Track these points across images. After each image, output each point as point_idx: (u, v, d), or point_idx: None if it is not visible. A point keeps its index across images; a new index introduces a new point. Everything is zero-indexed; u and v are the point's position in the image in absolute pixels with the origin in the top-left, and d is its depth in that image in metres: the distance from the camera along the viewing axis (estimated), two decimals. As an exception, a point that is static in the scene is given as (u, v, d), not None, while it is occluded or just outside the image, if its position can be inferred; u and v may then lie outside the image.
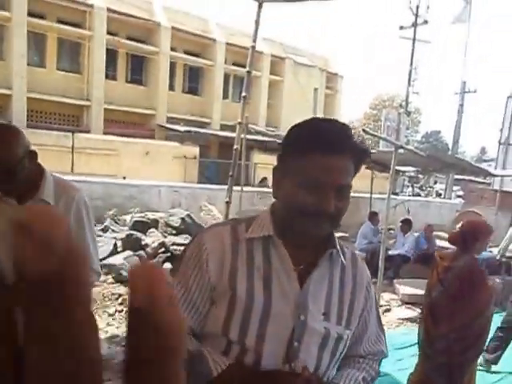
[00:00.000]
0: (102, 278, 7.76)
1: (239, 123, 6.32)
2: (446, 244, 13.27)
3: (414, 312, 8.66)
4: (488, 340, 4.69)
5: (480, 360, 5.20)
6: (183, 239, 9.00)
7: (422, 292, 9.22)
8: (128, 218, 11.17)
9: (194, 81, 31.40)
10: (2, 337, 0.49)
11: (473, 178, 26.81)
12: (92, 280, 2.80)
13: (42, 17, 24.57)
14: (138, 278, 0.52)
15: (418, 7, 27.81)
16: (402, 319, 8.33)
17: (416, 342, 7.38)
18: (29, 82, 23.49)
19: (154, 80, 28.54)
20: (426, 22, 28.25)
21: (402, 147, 8.50)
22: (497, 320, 5.67)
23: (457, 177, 26.79)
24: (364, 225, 12.08)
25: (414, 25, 28.33)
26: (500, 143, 26.77)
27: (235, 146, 6.21)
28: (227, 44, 29.92)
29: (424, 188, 39.01)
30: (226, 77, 31.46)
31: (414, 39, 28.27)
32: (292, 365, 1.51)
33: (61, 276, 0.43)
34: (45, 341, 0.46)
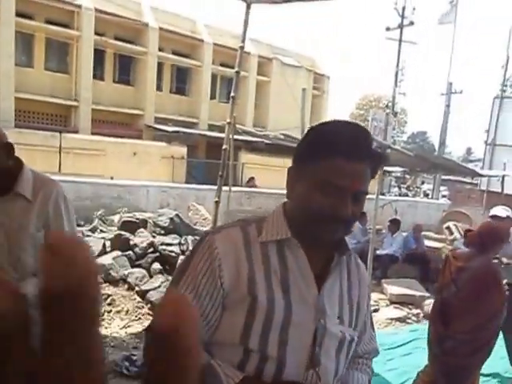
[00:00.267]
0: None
1: (228, 123, 6.33)
2: (434, 244, 13.40)
3: (403, 311, 8.70)
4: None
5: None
6: (172, 239, 8.99)
7: (410, 292, 9.35)
8: (116, 218, 11.16)
9: (181, 81, 31.36)
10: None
11: (460, 178, 27.01)
12: None
13: (29, 17, 24.44)
14: (167, 306, 0.54)
15: (404, 9, 27.88)
16: (391, 319, 8.35)
17: (406, 341, 7.44)
18: (17, 82, 23.37)
19: (142, 80, 28.47)
20: (412, 23, 28.31)
21: (389, 147, 8.53)
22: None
23: (444, 177, 26.94)
24: (352, 225, 12.09)
25: (400, 26, 28.39)
26: (486, 144, 26.95)
27: (224, 146, 6.22)
28: (215, 45, 29.88)
29: (411, 188, 39.21)
30: (214, 77, 31.42)
31: (400, 40, 28.31)
32: (317, 370, 1.50)
33: (82, 290, 0.45)
34: (58, 353, 0.48)
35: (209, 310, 1.49)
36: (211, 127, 28.17)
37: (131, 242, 8.67)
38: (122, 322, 6.81)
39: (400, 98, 37.93)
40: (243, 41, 5.99)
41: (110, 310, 7.06)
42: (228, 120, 6.32)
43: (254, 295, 1.46)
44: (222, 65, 30.79)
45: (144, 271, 7.95)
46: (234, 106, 6.47)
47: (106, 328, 6.58)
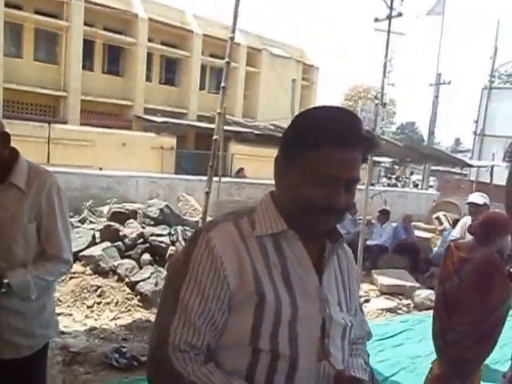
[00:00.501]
0: (81, 269, 7.71)
1: (219, 113, 6.29)
2: (424, 234, 13.45)
3: (393, 302, 8.74)
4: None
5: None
6: (161, 230, 8.95)
7: (400, 282, 9.38)
8: (105, 209, 11.08)
9: (171, 72, 31.33)
10: None
11: (449, 168, 27.07)
12: (62, 271, 2.78)
13: (19, 7, 24.37)
14: None
15: (392, 0, 27.84)
16: (382, 309, 8.38)
17: (397, 332, 7.47)
18: (5, 72, 23.32)
19: (131, 71, 28.43)
20: (400, 14, 28.23)
21: (379, 138, 8.53)
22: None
23: (433, 168, 26.99)
24: (342, 215, 12.08)
25: (389, 17, 28.37)
26: (475, 134, 27.05)
27: (215, 137, 6.17)
28: (204, 35, 29.89)
29: (400, 179, 39.26)
30: (203, 68, 31.42)
31: (388, 31, 28.26)
32: (330, 360, 1.47)
33: None
34: None
35: (216, 314, 1.40)
36: (200, 118, 28.15)
37: (121, 233, 8.63)
38: (111, 313, 6.79)
39: (389, 88, 37.86)
40: (233, 31, 5.94)
41: (100, 302, 7.02)
42: (218, 110, 6.26)
43: (262, 294, 1.40)
44: (211, 55, 30.82)
45: (134, 262, 7.92)
46: (224, 97, 6.42)
47: (96, 320, 6.56)
